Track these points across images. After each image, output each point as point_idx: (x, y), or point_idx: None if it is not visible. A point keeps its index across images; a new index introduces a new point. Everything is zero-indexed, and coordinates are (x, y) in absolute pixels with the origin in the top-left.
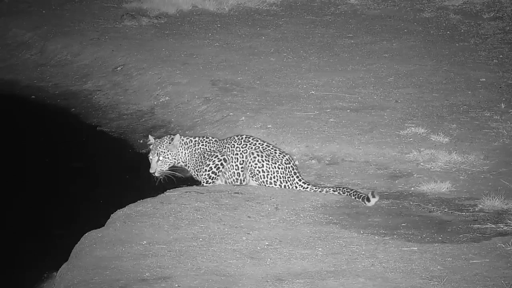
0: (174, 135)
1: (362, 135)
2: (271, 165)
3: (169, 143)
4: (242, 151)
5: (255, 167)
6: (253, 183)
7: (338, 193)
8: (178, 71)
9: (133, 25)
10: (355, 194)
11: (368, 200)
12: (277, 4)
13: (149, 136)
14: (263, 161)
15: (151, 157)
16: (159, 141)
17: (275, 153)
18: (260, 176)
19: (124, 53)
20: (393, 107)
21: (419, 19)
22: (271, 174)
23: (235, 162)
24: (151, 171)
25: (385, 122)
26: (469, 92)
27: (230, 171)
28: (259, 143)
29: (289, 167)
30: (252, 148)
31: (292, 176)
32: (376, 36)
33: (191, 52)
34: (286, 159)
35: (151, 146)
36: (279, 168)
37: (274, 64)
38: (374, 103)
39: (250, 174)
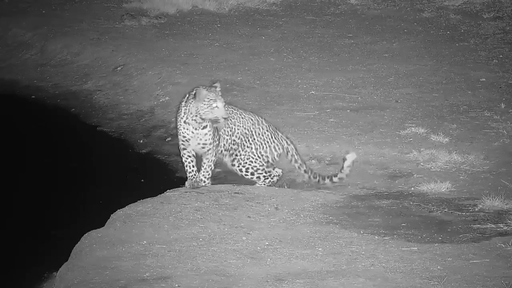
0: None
1: (362, 135)
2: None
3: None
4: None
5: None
6: (232, 168)
7: (309, 177)
8: (178, 71)
9: (133, 25)
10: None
11: (344, 160)
12: (277, 4)
13: (216, 83)
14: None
15: (219, 103)
16: (213, 88)
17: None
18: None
19: (124, 53)
20: (393, 107)
21: (419, 19)
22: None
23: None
24: (227, 116)
25: (385, 122)
26: (469, 92)
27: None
28: (260, 125)
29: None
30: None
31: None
32: (376, 36)
33: (191, 52)
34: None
35: (213, 93)
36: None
37: (274, 64)
38: (374, 103)
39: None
